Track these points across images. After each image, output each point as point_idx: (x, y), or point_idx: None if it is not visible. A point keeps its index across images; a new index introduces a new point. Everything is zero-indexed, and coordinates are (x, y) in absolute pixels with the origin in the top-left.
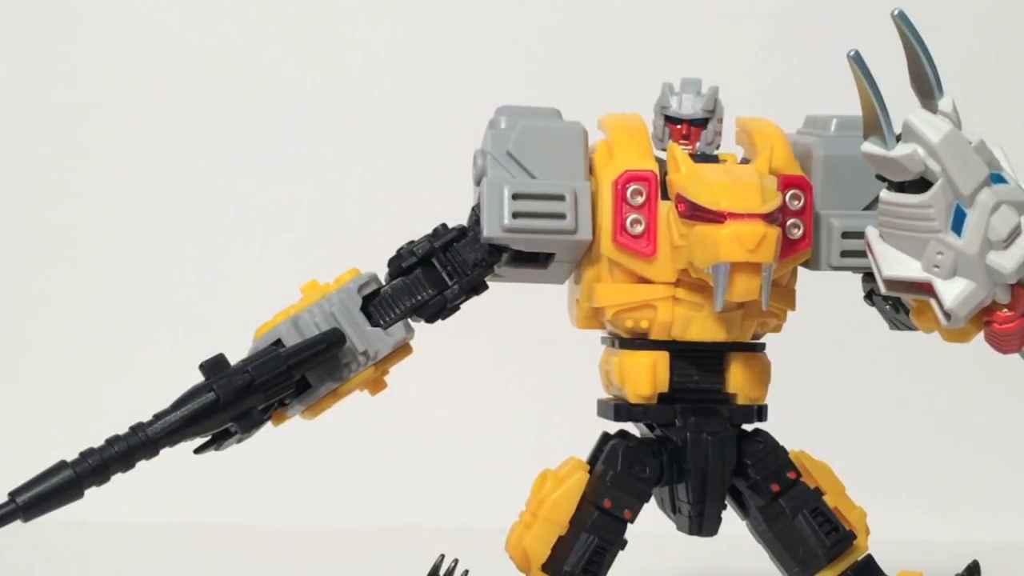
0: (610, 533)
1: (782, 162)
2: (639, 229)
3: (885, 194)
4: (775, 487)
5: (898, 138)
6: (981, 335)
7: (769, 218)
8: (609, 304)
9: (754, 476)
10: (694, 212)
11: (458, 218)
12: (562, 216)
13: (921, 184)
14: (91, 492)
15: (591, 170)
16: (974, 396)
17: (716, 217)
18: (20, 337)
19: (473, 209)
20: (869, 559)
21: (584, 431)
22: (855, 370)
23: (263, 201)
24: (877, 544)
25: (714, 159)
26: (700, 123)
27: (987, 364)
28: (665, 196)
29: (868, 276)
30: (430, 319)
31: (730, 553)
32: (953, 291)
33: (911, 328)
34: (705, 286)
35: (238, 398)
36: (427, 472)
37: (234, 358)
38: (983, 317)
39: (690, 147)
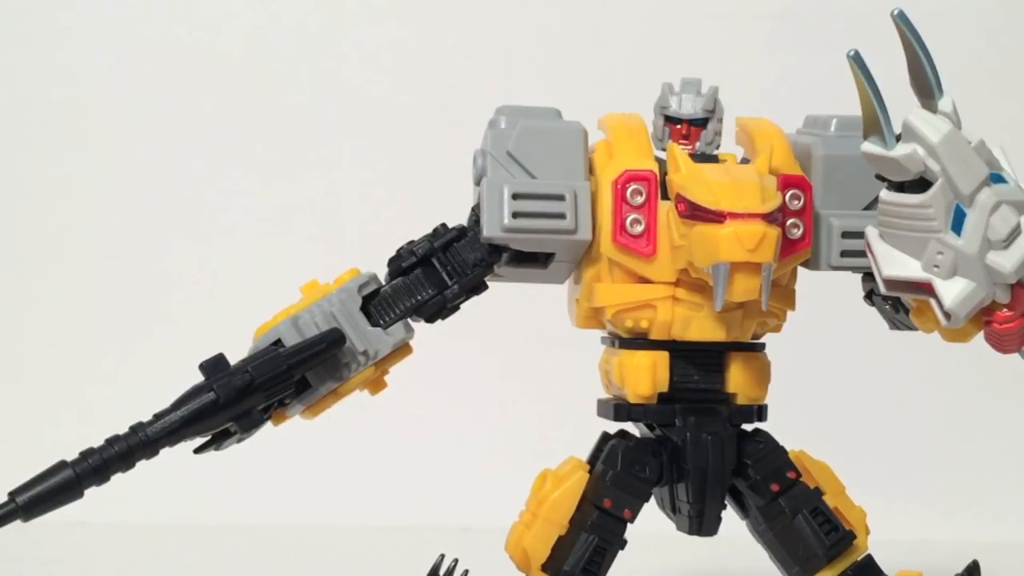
0: (610, 533)
1: (782, 162)
2: (639, 229)
3: (885, 194)
4: (775, 487)
5: (898, 138)
6: (981, 335)
7: (769, 218)
8: (609, 304)
9: (754, 476)
10: (694, 212)
11: (458, 218)
12: (562, 216)
13: (921, 184)
14: (91, 492)
15: (591, 170)
16: (974, 396)
17: (716, 217)
18: (20, 337)
19: (473, 209)
20: (869, 559)
21: (584, 431)
22: (855, 370)
23: (263, 201)
24: (877, 544)
25: (714, 159)
26: (700, 123)
27: (987, 364)
28: (665, 196)
29: (868, 276)
30: (430, 319)
31: (730, 553)
32: (953, 291)
33: (911, 328)
34: (705, 286)
35: (238, 398)
36: (427, 472)
37: (234, 358)
38: (983, 317)
39: (690, 147)
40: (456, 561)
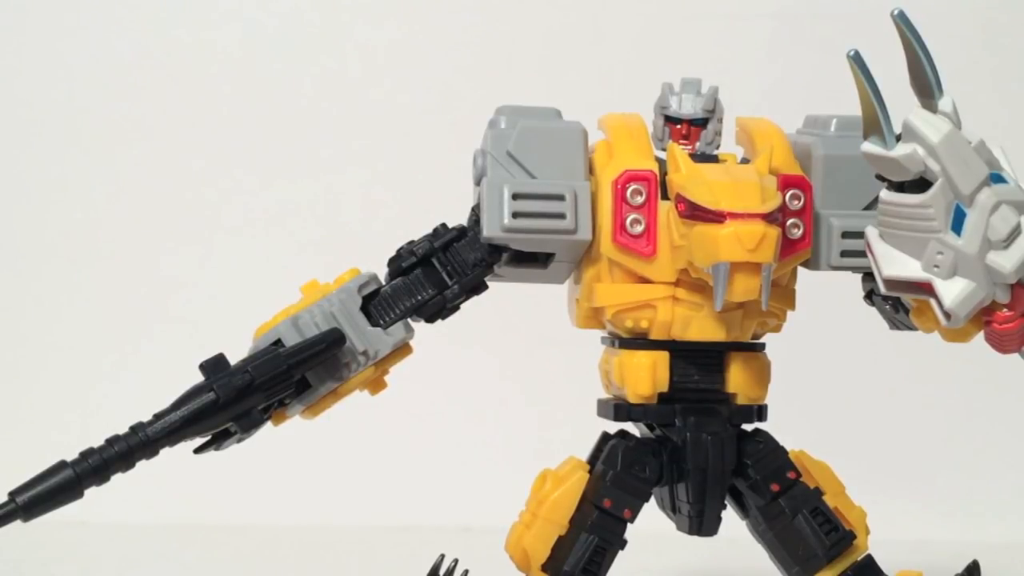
0: (610, 533)
1: (782, 162)
2: (639, 229)
3: (885, 194)
4: (775, 487)
5: (898, 138)
6: (981, 335)
7: (769, 218)
8: (609, 304)
9: (754, 476)
10: (694, 212)
11: (458, 218)
12: (562, 216)
13: (921, 184)
14: (91, 492)
15: (591, 170)
16: (974, 396)
17: (716, 217)
18: (21, 337)
19: (473, 209)
20: (869, 559)
21: (584, 431)
22: (855, 370)
23: (263, 201)
24: (877, 544)
25: (714, 159)
26: (700, 123)
27: (987, 364)
28: (665, 196)
29: (868, 276)
30: (430, 319)
31: (730, 553)
32: (953, 291)
33: (911, 328)
34: (705, 286)
35: (238, 398)
36: (427, 472)
37: (234, 358)
38: (983, 317)
39: (690, 147)
40: (456, 561)
